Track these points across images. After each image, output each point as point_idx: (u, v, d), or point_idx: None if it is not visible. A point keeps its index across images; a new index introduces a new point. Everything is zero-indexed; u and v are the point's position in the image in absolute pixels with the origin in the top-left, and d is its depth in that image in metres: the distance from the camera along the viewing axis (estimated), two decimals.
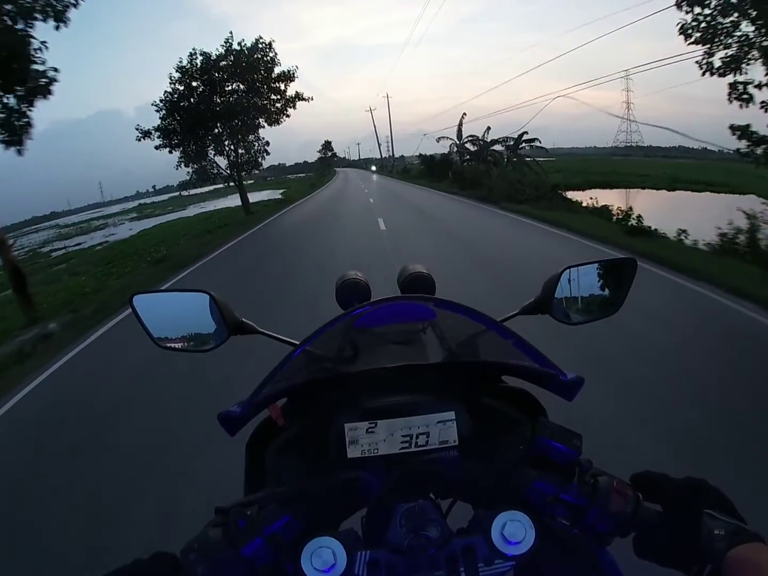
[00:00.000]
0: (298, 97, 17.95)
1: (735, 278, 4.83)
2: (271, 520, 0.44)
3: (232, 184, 19.01)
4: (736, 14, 6.72)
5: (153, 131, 16.93)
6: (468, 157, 26.06)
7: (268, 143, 18.85)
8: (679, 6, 7.08)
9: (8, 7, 6.29)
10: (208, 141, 17.68)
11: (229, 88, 17.61)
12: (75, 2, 6.90)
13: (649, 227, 8.03)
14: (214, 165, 18.28)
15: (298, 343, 0.55)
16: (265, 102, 17.83)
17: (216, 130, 17.69)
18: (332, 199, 22.38)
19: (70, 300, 7.43)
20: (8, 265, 6.79)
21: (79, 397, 3.55)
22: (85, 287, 8.49)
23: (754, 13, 6.45)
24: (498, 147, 24.73)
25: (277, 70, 17.56)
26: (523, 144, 23.51)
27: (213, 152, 17.98)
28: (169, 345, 0.71)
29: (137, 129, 17.14)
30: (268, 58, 17.27)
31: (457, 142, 26.74)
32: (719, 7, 6.81)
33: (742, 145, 6.49)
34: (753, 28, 6.59)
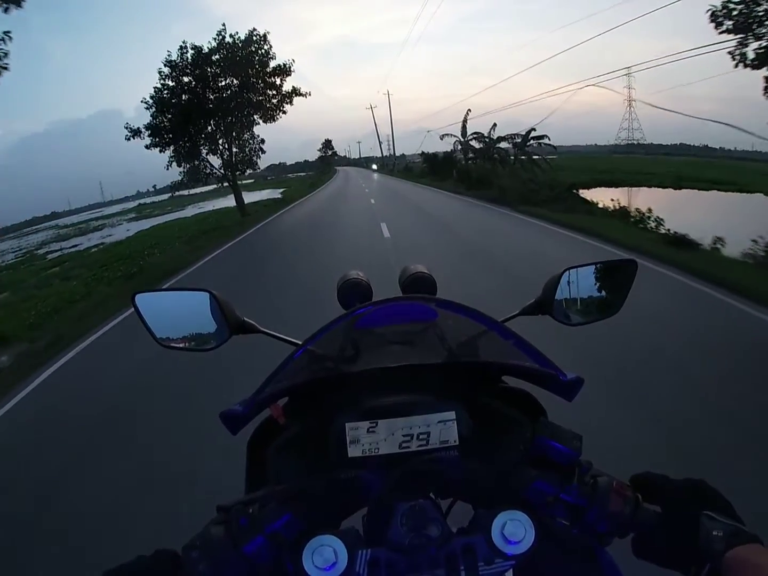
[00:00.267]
0: (295, 92, 17.03)
1: None
2: (272, 519, 0.44)
3: (226, 184, 18.10)
4: None
5: (143, 130, 16.07)
6: (473, 155, 25.20)
7: (263, 141, 17.92)
8: None
9: None
10: (201, 139, 16.77)
11: (223, 83, 16.72)
12: None
13: (686, 236, 7.08)
14: (207, 164, 17.35)
15: (300, 343, 0.57)
16: (260, 98, 16.92)
17: (209, 128, 16.80)
18: (331, 200, 21.20)
19: (58, 307, 7.17)
20: None
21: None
22: (74, 294, 8.17)
23: None
24: (504, 144, 23.87)
25: (272, 63, 16.68)
26: (531, 141, 22.62)
27: (206, 151, 17.08)
28: (171, 344, 0.72)
29: (126, 128, 16.27)
30: (263, 51, 16.30)
31: (462, 140, 25.82)
32: None
33: None
34: None
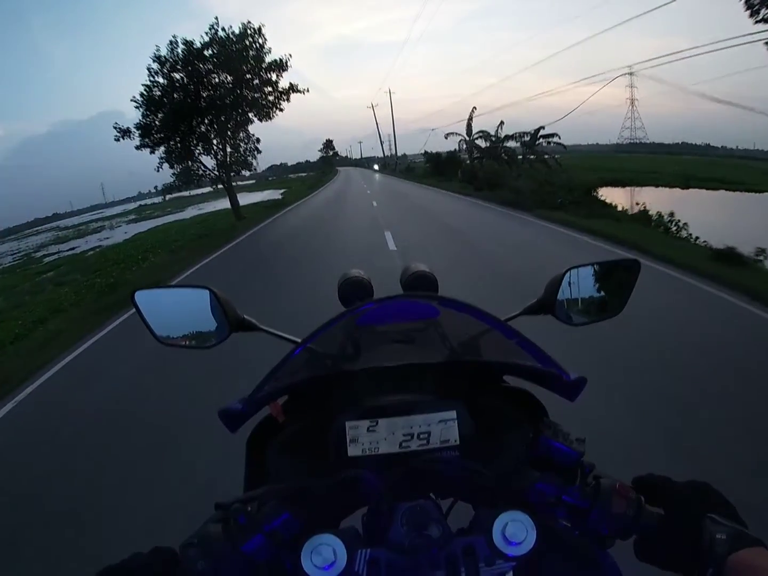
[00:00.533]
0: (293, 88, 16.06)
1: None
2: (271, 517, 0.44)
3: (220, 186, 17.15)
4: None
5: (134, 129, 15.17)
6: (478, 154, 24.26)
7: (258, 140, 16.94)
8: None
9: None
10: (194, 139, 15.83)
11: (216, 80, 15.77)
12: None
13: (733, 249, 6.08)
14: (200, 166, 16.40)
15: (300, 340, 0.55)
16: (256, 95, 15.97)
17: (202, 128, 15.86)
18: (330, 202, 19.99)
19: (42, 318, 6.85)
20: None
21: None
22: (63, 302, 7.87)
23: None
24: (511, 143, 22.92)
25: (268, 59, 15.74)
26: (540, 140, 21.66)
27: (198, 151, 16.13)
28: (171, 342, 0.71)
29: (115, 127, 15.38)
30: (258, 45, 15.35)
31: (467, 138, 24.87)
32: None
33: None
34: None
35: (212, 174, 16.63)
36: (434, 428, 0.48)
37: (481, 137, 24.12)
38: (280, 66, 15.75)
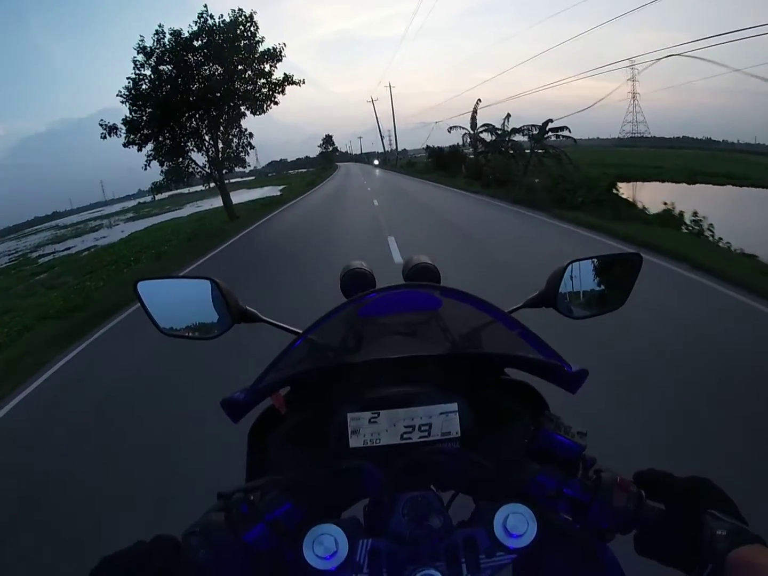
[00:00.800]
0: (287, 80, 15.09)
1: None
2: (273, 507, 0.44)
3: (212, 184, 16.24)
4: None
5: (121, 126, 14.28)
6: (483, 148, 23.26)
7: (251, 135, 16.00)
8: None
9: None
10: (183, 135, 14.91)
11: (207, 72, 14.82)
12: None
13: None
14: (190, 163, 15.48)
15: (301, 332, 0.55)
16: (248, 87, 15.02)
17: (192, 122, 14.93)
18: (328, 201, 18.92)
19: (29, 326, 6.63)
20: None
21: None
22: (51, 307, 7.61)
23: None
24: (518, 137, 21.91)
25: (260, 48, 14.76)
26: (549, 133, 20.63)
27: (189, 148, 15.21)
28: (174, 333, 0.70)
29: (101, 124, 14.46)
30: (249, 33, 14.37)
31: (471, 132, 23.86)
32: None
33: None
34: None
35: (203, 171, 15.75)
36: (435, 420, 0.48)
37: (486, 130, 23.10)
38: (274, 56, 14.81)
